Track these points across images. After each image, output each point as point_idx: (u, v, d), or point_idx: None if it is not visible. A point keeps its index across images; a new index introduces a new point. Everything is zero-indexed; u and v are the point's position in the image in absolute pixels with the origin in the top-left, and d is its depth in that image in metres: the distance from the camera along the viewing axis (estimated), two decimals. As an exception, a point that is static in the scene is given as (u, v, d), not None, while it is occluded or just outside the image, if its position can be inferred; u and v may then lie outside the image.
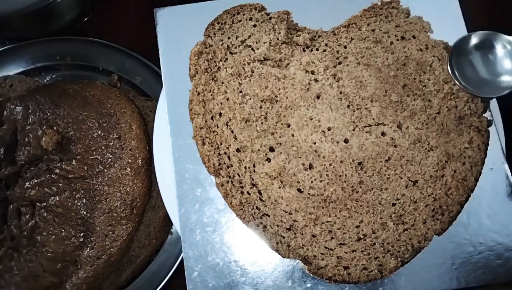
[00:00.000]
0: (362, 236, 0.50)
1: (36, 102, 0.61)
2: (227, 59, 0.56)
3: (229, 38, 0.57)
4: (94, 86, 0.65)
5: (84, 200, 0.58)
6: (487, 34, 0.51)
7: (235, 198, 0.51)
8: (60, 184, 0.58)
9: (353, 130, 0.53)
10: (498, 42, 0.51)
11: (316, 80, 0.55)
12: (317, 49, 0.57)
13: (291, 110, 0.54)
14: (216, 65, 0.56)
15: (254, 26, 0.57)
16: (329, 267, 0.49)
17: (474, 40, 0.51)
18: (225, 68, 0.56)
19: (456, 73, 0.51)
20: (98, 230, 0.58)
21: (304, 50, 0.57)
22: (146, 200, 0.62)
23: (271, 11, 0.58)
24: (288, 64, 0.56)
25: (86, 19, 0.75)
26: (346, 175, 0.52)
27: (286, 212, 0.51)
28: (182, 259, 0.54)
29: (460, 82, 0.51)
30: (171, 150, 0.55)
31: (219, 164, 0.53)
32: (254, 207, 0.51)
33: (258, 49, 0.56)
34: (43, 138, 0.58)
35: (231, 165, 0.53)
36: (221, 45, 0.56)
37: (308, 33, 0.57)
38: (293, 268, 0.51)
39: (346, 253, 0.50)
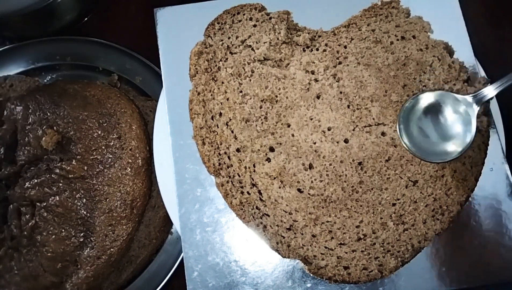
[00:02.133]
0: (362, 236, 0.50)
1: (36, 102, 0.61)
2: (227, 59, 0.56)
3: (229, 38, 0.57)
4: (94, 86, 0.65)
5: (84, 200, 0.58)
6: (436, 94, 0.49)
7: (235, 198, 0.51)
8: (60, 184, 0.58)
9: (353, 130, 0.53)
10: (447, 103, 0.49)
11: (316, 80, 0.55)
12: (317, 49, 0.57)
13: (291, 110, 0.54)
14: (216, 65, 0.56)
15: (254, 26, 0.57)
16: (329, 267, 0.49)
17: (422, 102, 0.49)
18: (225, 68, 0.56)
19: (405, 139, 0.48)
20: (98, 230, 0.58)
21: (304, 50, 0.57)
22: (146, 200, 0.62)
23: (271, 11, 0.58)
24: (288, 64, 0.56)
25: (86, 19, 0.75)
26: (346, 175, 0.52)
27: (286, 212, 0.51)
28: (182, 259, 0.54)
29: (409, 148, 0.48)
30: (171, 150, 0.55)
31: (219, 164, 0.53)
32: (254, 207, 0.51)
33: (258, 49, 0.56)
34: (43, 138, 0.58)
35: (231, 165, 0.53)
36: (221, 45, 0.56)
37: (308, 33, 0.57)
38: (293, 268, 0.51)
39: (346, 253, 0.50)
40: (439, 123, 0.49)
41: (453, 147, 0.47)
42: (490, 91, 0.47)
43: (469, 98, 0.48)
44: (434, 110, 0.49)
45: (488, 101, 0.49)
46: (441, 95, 0.49)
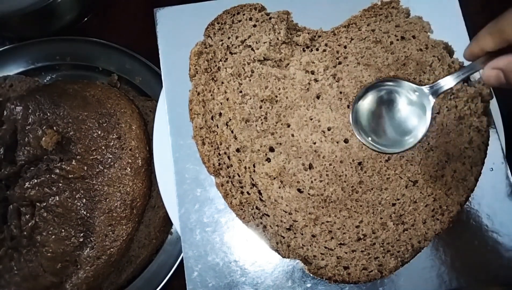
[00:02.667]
0: (362, 236, 0.50)
1: (36, 102, 0.61)
2: (227, 59, 0.56)
3: (229, 38, 0.57)
4: (94, 86, 0.65)
5: (84, 200, 0.58)
6: (390, 84, 0.47)
7: (235, 198, 0.51)
8: (60, 184, 0.58)
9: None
10: (401, 93, 0.47)
11: (316, 80, 0.55)
12: (317, 49, 0.57)
13: (291, 110, 0.54)
14: (216, 65, 0.56)
15: (254, 26, 0.57)
16: (329, 267, 0.49)
17: (375, 92, 0.47)
18: (225, 68, 0.56)
19: (357, 128, 0.47)
20: (98, 230, 0.58)
21: (304, 50, 0.57)
22: (146, 200, 0.62)
23: (271, 11, 0.58)
24: (288, 64, 0.56)
25: (86, 19, 0.75)
26: (346, 175, 0.52)
27: (286, 212, 0.51)
28: (182, 259, 0.54)
29: (362, 136, 0.47)
30: (171, 150, 0.55)
31: (219, 164, 0.53)
32: (254, 207, 0.51)
33: (258, 49, 0.56)
34: (43, 138, 0.58)
35: (231, 165, 0.53)
36: (221, 45, 0.56)
37: (308, 33, 0.57)
38: (293, 268, 0.51)
39: (346, 253, 0.50)
40: (394, 115, 0.47)
41: (409, 139, 0.46)
42: (447, 82, 0.44)
43: (425, 88, 0.45)
44: (388, 102, 0.47)
45: (446, 92, 0.46)
46: (396, 85, 0.47)
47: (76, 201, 0.58)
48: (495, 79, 0.39)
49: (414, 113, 0.46)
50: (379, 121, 0.47)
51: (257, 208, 0.51)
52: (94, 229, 0.58)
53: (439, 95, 0.45)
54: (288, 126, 0.54)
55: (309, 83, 0.55)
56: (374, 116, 0.48)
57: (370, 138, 0.47)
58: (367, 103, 0.48)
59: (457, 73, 0.44)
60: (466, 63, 0.55)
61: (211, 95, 0.55)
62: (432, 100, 0.45)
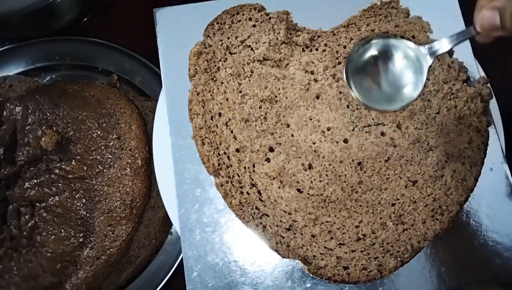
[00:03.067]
0: (361, 236, 0.50)
1: (35, 102, 0.61)
2: (226, 59, 0.56)
3: (228, 38, 0.57)
4: (94, 86, 0.65)
5: (84, 200, 0.58)
6: (387, 41, 0.46)
7: (235, 198, 0.51)
8: (60, 184, 0.58)
9: (353, 130, 0.53)
10: (399, 50, 0.46)
11: (315, 80, 0.55)
12: (317, 49, 0.57)
13: (290, 110, 0.54)
14: (215, 65, 0.56)
15: (254, 26, 0.57)
16: (329, 267, 0.49)
17: (372, 48, 0.46)
18: (225, 68, 0.56)
19: (351, 83, 0.46)
20: (98, 230, 0.58)
21: (303, 50, 0.57)
22: (145, 200, 0.62)
23: (271, 11, 0.58)
24: (287, 64, 0.56)
25: (85, 19, 0.75)
26: (345, 175, 0.52)
27: (285, 212, 0.51)
28: (181, 259, 0.54)
29: (355, 93, 0.46)
30: (170, 150, 0.55)
31: (219, 164, 0.53)
32: (254, 207, 0.51)
33: (257, 49, 0.56)
34: (43, 138, 0.58)
35: (231, 165, 0.53)
36: (221, 45, 0.56)
37: (308, 33, 0.57)
38: (293, 268, 0.51)
39: (345, 253, 0.50)
40: (390, 70, 0.46)
41: (404, 96, 0.46)
42: (445, 44, 0.43)
43: (423, 48, 0.45)
44: (384, 58, 0.46)
45: (443, 54, 0.46)
46: (394, 41, 0.46)
47: (75, 201, 0.58)
48: (488, 20, 0.38)
49: (410, 70, 0.45)
50: (374, 76, 0.46)
51: (256, 208, 0.51)
52: (93, 229, 0.58)
53: (436, 57, 0.44)
54: (288, 126, 0.54)
55: (308, 83, 0.55)
56: (369, 71, 0.46)
57: (362, 95, 0.46)
58: (362, 57, 0.47)
59: (453, 35, 0.43)
60: (466, 63, 0.55)
61: (211, 95, 0.55)
62: (429, 60, 0.44)
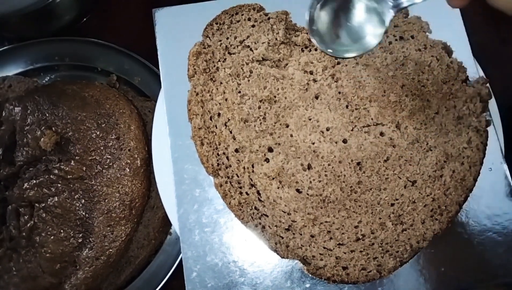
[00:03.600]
0: (360, 236, 0.50)
1: (34, 102, 0.61)
2: (225, 59, 0.56)
3: (227, 38, 0.57)
4: (93, 87, 0.65)
5: (83, 201, 0.58)
6: None
7: (234, 199, 0.51)
8: (59, 185, 0.58)
9: (352, 130, 0.53)
10: (359, 2, 0.45)
11: (314, 80, 0.55)
12: (316, 49, 0.57)
13: (289, 110, 0.54)
14: (214, 66, 0.56)
15: (253, 26, 0.57)
16: (328, 267, 0.49)
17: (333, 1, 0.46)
18: (224, 68, 0.56)
19: (313, 29, 0.46)
20: (97, 230, 0.58)
21: (302, 50, 0.57)
22: (145, 200, 0.62)
23: (270, 11, 0.58)
24: (286, 64, 0.56)
25: (85, 19, 0.75)
26: (344, 175, 0.52)
27: (284, 212, 0.51)
28: (181, 260, 0.54)
29: (316, 40, 0.46)
30: (170, 151, 0.55)
31: (218, 164, 0.53)
32: (253, 207, 0.51)
33: (256, 49, 0.56)
34: (42, 139, 0.58)
35: (230, 166, 0.53)
36: (220, 46, 0.56)
37: (307, 33, 0.57)
38: (292, 268, 0.51)
39: (344, 253, 0.50)
40: (351, 20, 0.46)
41: (365, 44, 0.45)
42: None
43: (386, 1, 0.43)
44: (345, 8, 0.46)
45: (406, 7, 0.43)
46: None
47: (75, 201, 0.58)
48: None
49: (371, 21, 0.45)
50: (335, 26, 0.46)
51: (255, 208, 0.51)
52: (93, 229, 0.58)
53: (400, 10, 0.43)
54: (287, 126, 0.54)
55: (307, 83, 0.55)
56: (330, 21, 0.46)
57: (326, 45, 0.46)
58: (324, 8, 0.46)
59: None
60: (465, 63, 0.55)
61: (210, 95, 0.55)
62: (391, 12, 0.43)
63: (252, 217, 0.51)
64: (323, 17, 0.46)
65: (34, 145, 0.59)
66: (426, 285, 0.51)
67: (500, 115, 0.57)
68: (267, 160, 0.53)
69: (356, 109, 0.54)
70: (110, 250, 0.58)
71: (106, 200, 0.58)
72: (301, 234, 0.50)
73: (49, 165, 0.59)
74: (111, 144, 0.60)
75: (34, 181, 0.58)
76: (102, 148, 0.60)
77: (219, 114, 0.54)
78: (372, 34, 0.45)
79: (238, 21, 0.57)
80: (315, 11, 0.46)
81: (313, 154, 0.52)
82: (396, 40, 0.56)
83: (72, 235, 0.57)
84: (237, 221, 0.52)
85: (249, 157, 0.53)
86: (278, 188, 0.52)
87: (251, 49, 0.56)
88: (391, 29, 0.56)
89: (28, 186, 0.58)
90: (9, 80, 0.68)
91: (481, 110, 0.53)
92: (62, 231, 0.57)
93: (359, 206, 0.51)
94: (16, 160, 0.59)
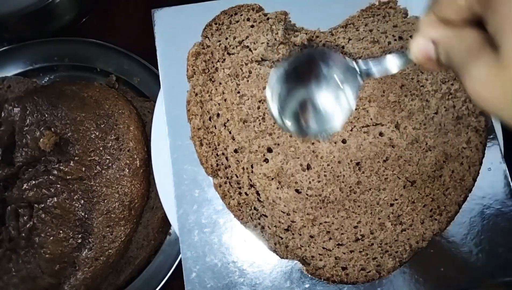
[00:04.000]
0: (360, 237, 0.50)
1: (34, 103, 0.61)
2: (224, 59, 0.56)
3: (226, 38, 0.57)
4: (92, 87, 0.65)
5: (82, 201, 0.58)
6: (313, 54, 0.39)
7: (233, 199, 0.51)
8: (58, 186, 0.58)
9: (351, 130, 0.53)
10: (329, 72, 0.38)
11: (314, 81, 0.55)
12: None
13: (289, 110, 0.54)
14: (213, 66, 0.56)
15: (252, 26, 0.57)
16: (327, 267, 0.49)
17: (294, 64, 0.40)
18: (223, 68, 0.56)
19: (271, 107, 0.40)
20: (96, 231, 0.58)
21: (301, 51, 0.57)
22: (144, 201, 0.62)
23: (269, 11, 0.58)
24: (286, 64, 0.56)
25: (84, 20, 0.75)
26: (344, 176, 0.52)
27: (284, 212, 0.51)
28: (180, 260, 0.54)
29: (276, 120, 0.40)
30: (169, 151, 0.54)
31: (217, 165, 0.53)
32: (252, 207, 0.51)
33: (255, 49, 0.56)
34: (41, 139, 0.58)
35: (229, 166, 0.53)
36: (219, 46, 0.56)
37: (306, 34, 0.57)
38: (291, 268, 0.51)
39: (344, 253, 0.50)
40: (317, 107, 0.40)
41: (330, 129, 0.41)
42: (389, 64, 0.35)
43: (357, 67, 0.37)
44: (311, 73, 0.40)
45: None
46: (319, 55, 0.38)
47: (74, 202, 0.58)
48: (422, 52, 0.30)
49: (340, 96, 0.39)
50: (300, 107, 0.40)
51: (255, 208, 0.51)
52: (92, 230, 0.58)
53: (370, 76, 0.37)
54: (286, 126, 0.54)
55: (307, 84, 0.55)
56: (293, 99, 0.41)
57: (289, 122, 0.41)
58: (283, 78, 0.41)
59: (393, 55, 0.36)
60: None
61: (209, 96, 0.55)
62: (360, 81, 0.37)
63: (251, 218, 0.51)
64: (285, 90, 0.41)
65: (33, 145, 0.59)
66: (426, 285, 0.51)
67: (500, 115, 0.56)
68: (266, 161, 0.53)
69: (355, 109, 0.54)
70: (110, 250, 0.58)
71: (106, 201, 0.58)
72: (300, 235, 0.50)
73: (48, 165, 0.59)
74: (110, 144, 0.60)
75: (33, 182, 0.58)
76: (101, 148, 0.60)
77: (218, 115, 0.54)
78: (340, 113, 0.40)
79: (237, 22, 0.57)
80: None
81: (312, 154, 0.52)
82: (395, 40, 0.56)
83: (71, 235, 0.57)
84: (236, 221, 0.51)
85: (248, 157, 0.53)
86: (278, 188, 0.52)
87: (250, 50, 0.56)
88: (390, 29, 0.56)
89: (27, 187, 0.58)
90: (8, 80, 0.68)
91: (480, 110, 0.53)
92: (61, 231, 0.57)
93: (358, 206, 0.51)
94: (15, 161, 0.59)
